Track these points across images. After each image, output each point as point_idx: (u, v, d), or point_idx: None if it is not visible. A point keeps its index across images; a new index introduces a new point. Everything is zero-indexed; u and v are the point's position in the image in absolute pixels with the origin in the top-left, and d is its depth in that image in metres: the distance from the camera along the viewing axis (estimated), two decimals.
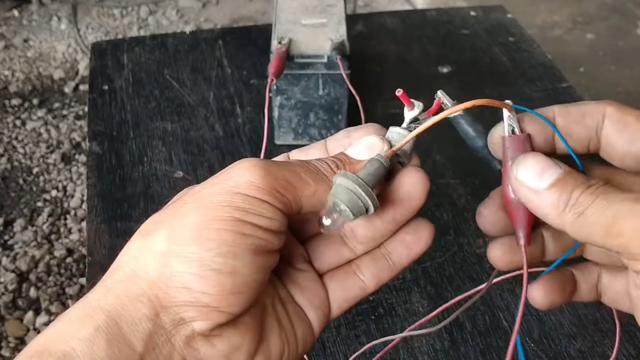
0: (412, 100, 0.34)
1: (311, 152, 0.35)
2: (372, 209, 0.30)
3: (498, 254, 0.34)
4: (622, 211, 0.28)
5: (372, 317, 0.62)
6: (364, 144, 0.33)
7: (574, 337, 0.60)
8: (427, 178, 0.33)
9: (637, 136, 0.31)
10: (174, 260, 0.29)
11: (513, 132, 0.32)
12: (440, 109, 0.34)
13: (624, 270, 0.33)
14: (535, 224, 0.33)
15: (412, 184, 0.33)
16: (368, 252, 0.35)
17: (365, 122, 0.72)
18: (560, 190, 0.29)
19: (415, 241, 0.35)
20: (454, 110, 0.31)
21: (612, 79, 2.13)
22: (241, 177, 0.30)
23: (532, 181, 0.30)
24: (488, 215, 0.34)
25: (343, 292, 0.35)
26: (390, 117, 0.83)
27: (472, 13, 1.07)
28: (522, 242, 0.32)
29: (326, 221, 0.31)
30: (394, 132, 0.33)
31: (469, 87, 0.91)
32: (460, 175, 0.76)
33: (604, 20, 2.40)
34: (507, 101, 0.32)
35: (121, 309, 0.28)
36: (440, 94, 0.34)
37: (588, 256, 0.36)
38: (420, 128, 0.31)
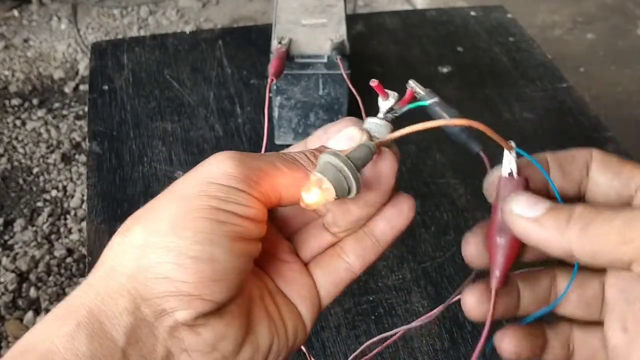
0: (386, 90, 0.34)
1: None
2: (354, 192, 0.30)
3: (472, 302, 0.33)
4: (630, 216, 0.28)
5: (372, 317, 0.62)
6: (344, 135, 0.33)
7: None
8: (395, 159, 0.33)
9: (619, 171, 0.32)
10: (151, 251, 0.29)
11: (510, 174, 0.32)
12: (414, 99, 0.34)
13: (599, 325, 0.33)
14: (510, 278, 0.33)
15: (380, 167, 0.33)
16: (350, 234, 0.35)
17: None
18: (558, 212, 0.29)
19: (396, 215, 0.34)
20: (451, 123, 0.31)
21: (612, 79, 2.13)
22: (216, 167, 0.30)
23: (528, 211, 0.30)
24: (475, 244, 0.34)
25: (329, 277, 0.35)
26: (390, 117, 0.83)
27: (472, 13, 1.07)
28: (494, 284, 0.32)
29: (307, 197, 0.30)
30: (371, 122, 0.34)
31: (469, 87, 0.91)
32: (460, 175, 0.76)
33: (604, 20, 2.40)
34: (511, 142, 0.32)
35: (101, 304, 0.28)
36: (412, 82, 0.34)
37: (562, 311, 0.35)
38: (414, 127, 0.31)
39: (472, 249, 0.34)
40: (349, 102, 0.76)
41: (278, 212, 0.36)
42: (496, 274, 0.32)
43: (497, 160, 0.34)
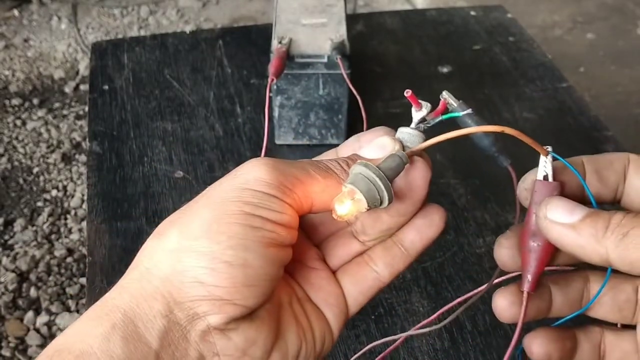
0: (420, 101, 0.34)
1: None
2: (386, 202, 0.30)
3: (504, 305, 0.33)
4: None
5: (372, 317, 0.62)
6: (376, 145, 0.33)
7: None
8: (427, 168, 0.33)
9: None
10: (185, 255, 0.29)
11: (545, 178, 0.32)
12: (446, 110, 0.34)
13: (632, 329, 0.33)
14: (542, 281, 0.33)
15: (413, 176, 0.33)
16: (379, 242, 0.35)
17: (366, 122, 0.73)
18: (596, 220, 0.29)
19: (426, 225, 0.34)
20: (483, 129, 0.31)
21: (612, 79, 2.13)
22: (249, 174, 0.30)
23: (564, 217, 0.30)
24: (508, 248, 0.33)
25: (357, 286, 0.35)
26: (390, 117, 0.83)
27: (472, 13, 1.07)
28: (525, 287, 0.32)
29: (339, 208, 0.30)
30: (404, 132, 0.34)
31: (469, 87, 0.91)
32: (460, 175, 0.76)
33: (604, 20, 2.40)
34: (548, 147, 0.32)
35: (136, 307, 0.28)
36: (445, 94, 0.34)
37: (594, 314, 0.35)
38: (446, 136, 0.31)
39: (505, 252, 0.34)
40: (349, 102, 0.76)
41: (307, 219, 0.36)
42: (528, 278, 0.32)
43: (525, 172, 0.34)
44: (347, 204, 0.30)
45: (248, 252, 0.29)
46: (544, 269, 0.32)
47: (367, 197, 0.30)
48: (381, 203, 0.30)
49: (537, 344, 0.33)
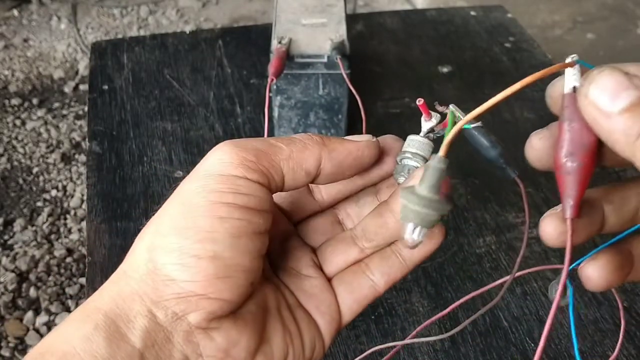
0: (430, 111, 0.34)
1: None
2: (446, 213, 0.30)
3: (551, 232, 0.29)
4: None
5: (372, 317, 0.62)
6: (355, 136, 0.33)
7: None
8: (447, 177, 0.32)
9: None
10: (156, 253, 0.29)
11: (575, 90, 0.28)
12: (454, 123, 0.33)
13: None
14: (594, 201, 0.30)
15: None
16: (377, 250, 0.35)
17: (366, 122, 0.73)
18: (633, 118, 0.25)
19: (427, 236, 0.33)
20: (485, 108, 0.30)
21: None
22: (211, 158, 0.30)
23: (604, 102, 0.26)
24: (540, 148, 0.30)
25: (352, 294, 0.35)
26: (390, 117, 0.83)
27: (472, 13, 1.07)
28: (568, 214, 0.28)
29: (410, 241, 0.30)
30: (414, 140, 0.34)
31: (469, 87, 0.91)
32: (460, 175, 0.76)
33: (604, 20, 2.40)
34: (573, 56, 0.29)
35: (116, 307, 0.28)
36: (452, 107, 0.33)
37: None
38: (460, 124, 0.30)
39: (535, 154, 0.31)
40: (349, 102, 0.76)
41: (307, 223, 0.36)
42: (570, 203, 0.28)
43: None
44: (413, 238, 0.30)
45: (216, 244, 0.28)
46: (585, 189, 0.28)
47: (424, 224, 0.29)
48: (442, 217, 0.30)
49: (596, 274, 0.30)
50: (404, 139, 0.35)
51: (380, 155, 0.34)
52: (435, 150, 0.32)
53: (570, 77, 0.29)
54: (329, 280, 0.35)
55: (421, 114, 0.34)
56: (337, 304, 0.35)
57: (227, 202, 0.29)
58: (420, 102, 0.33)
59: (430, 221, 0.29)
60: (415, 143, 0.34)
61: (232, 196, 0.29)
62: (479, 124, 0.33)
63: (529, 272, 0.65)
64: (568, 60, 0.29)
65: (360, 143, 0.33)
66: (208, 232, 0.28)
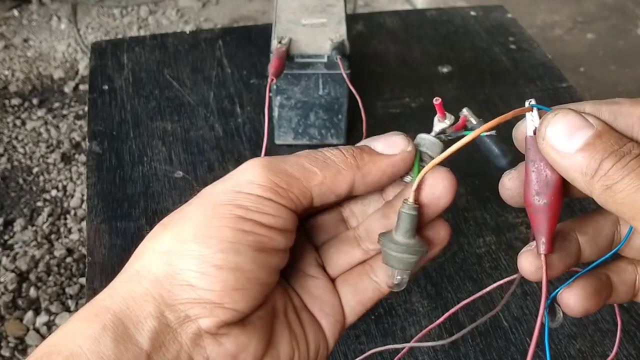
0: (445, 112, 0.33)
1: None
2: (424, 255, 0.32)
3: (529, 270, 0.31)
4: None
5: (372, 317, 0.62)
6: (389, 141, 0.32)
7: (574, 337, 0.60)
8: (453, 177, 0.32)
9: None
10: (176, 258, 0.29)
11: (535, 132, 0.30)
12: (466, 126, 0.33)
13: None
14: (568, 234, 0.31)
15: (438, 185, 0.32)
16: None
17: (366, 122, 0.73)
18: (589, 156, 0.27)
19: (432, 239, 0.34)
20: (481, 130, 0.30)
21: (612, 79, 2.13)
22: (242, 176, 0.30)
23: (560, 143, 0.28)
24: (511, 188, 0.32)
25: (356, 296, 0.35)
26: (390, 117, 0.83)
27: (472, 13, 1.07)
28: (542, 250, 0.30)
29: (393, 285, 0.32)
30: (424, 138, 0.33)
31: (469, 87, 0.91)
32: (460, 175, 0.76)
33: (604, 20, 2.40)
34: (529, 103, 0.30)
35: (126, 308, 0.28)
36: (466, 111, 0.33)
37: (627, 254, 0.33)
38: (460, 143, 0.31)
39: (508, 193, 0.33)
40: (349, 102, 0.76)
41: (309, 222, 0.36)
42: (542, 240, 0.30)
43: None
44: (398, 280, 0.32)
45: (239, 256, 0.29)
46: (555, 225, 0.30)
47: (406, 267, 0.32)
48: (422, 257, 0.32)
49: (574, 301, 0.32)
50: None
51: None
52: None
53: (530, 120, 0.30)
54: (332, 281, 0.35)
55: (435, 113, 0.33)
56: (341, 305, 0.35)
57: (252, 218, 0.29)
58: (437, 101, 0.32)
59: (409, 263, 0.31)
60: (426, 142, 0.33)
61: (258, 215, 0.29)
62: (493, 132, 0.32)
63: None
64: (526, 104, 0.30)
65: (395, 159, 0.32)
66: (231, 242, 0.29)
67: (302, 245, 0.35)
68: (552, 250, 0.30)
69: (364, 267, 0.35)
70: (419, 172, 0.32)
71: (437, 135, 0.34)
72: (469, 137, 0.30)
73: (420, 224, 0.32)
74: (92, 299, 0.30)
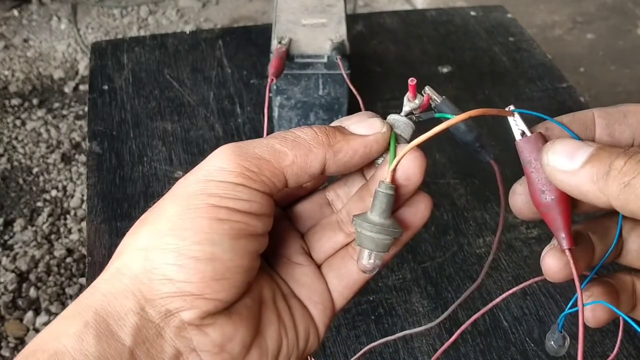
0: (417, 93, 0.34)
1: None
2: (397, 237, 0.31)
3: (556, 268, 0.31)
4: None
5: (372, 317, 0.62)
6: (366, 124, 0.32)
7: (574, 337, 0.60)
8: (424, 157, 0.32)
9: None
10: (154, 253, 0.29)
11: (523, 134, 0.31)
12: (429, 106, 0.34)
13: None
14: (580, 232, 0.32)
15: (409, 166, 0.32)
16: None
17: None
18: (596, 165, 0.27)
19: (412, 214, 0.34)
20: (454, 121, 0.31)
21: (612, 79, 2.13)
22: (213, 164, 0.30)
23: (564, 163, 0.28)
24: (523, 193, 0.32)
25: (342, 280, 0.35)
26: None
27: (472, 13, 1.07)
28: (565, 245, 0.30)
29: (365, 267, 0.32)
30: (396, 119, 0.33)
31: (469, 87, 0.91)
32: (460, 175, 0.76)
33: (604, 20, 2.40)
34: (509, 108, 0.32)
35: (107, 305, 0.28)
36: (428, 89, 0.34)
37: (624, 261, 0.34)
38: (435, 130, 0.31)
39: (519, 199, 0.33)
40: (349, 102, 0.76)
41: (293, 209, 0.36)
42: (562, 235, 0.30)
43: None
44: (370, 262, 0.32)
45: (215, 245, 0.28)
46: (570, 218, 0.30)
47: (379, 249, 0.31)
48: (395, 239, 0.31)
49: (599, 312, 0.32)
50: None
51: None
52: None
53: (514, 125, 0.32)
54: (319, 267, 0.35)
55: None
56: (328, 291, 0.34)
57: (226, 206, 0.29)
58: (413, 82, 0.32)
59: (384, 245, 0.31)
60: (396, 122, 0.33)
61: (232, 201, 0.29)
62: (443, 97, 0.33)
63: (533, 281, 0.65)
64: (507, 109, 0.32)
65: (369, 139, 0.32)
66: (207, 233, 0.28)
67: (287, 233, 0.35)
68: (574, 243, 0.30)
69: (347, 250, 0.35)
70: (394, 153, 0.32)
71: (408, 116, 0.34)
72: (451, 121, 0.30)
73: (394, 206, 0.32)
74: (76, 298, 0.30)
